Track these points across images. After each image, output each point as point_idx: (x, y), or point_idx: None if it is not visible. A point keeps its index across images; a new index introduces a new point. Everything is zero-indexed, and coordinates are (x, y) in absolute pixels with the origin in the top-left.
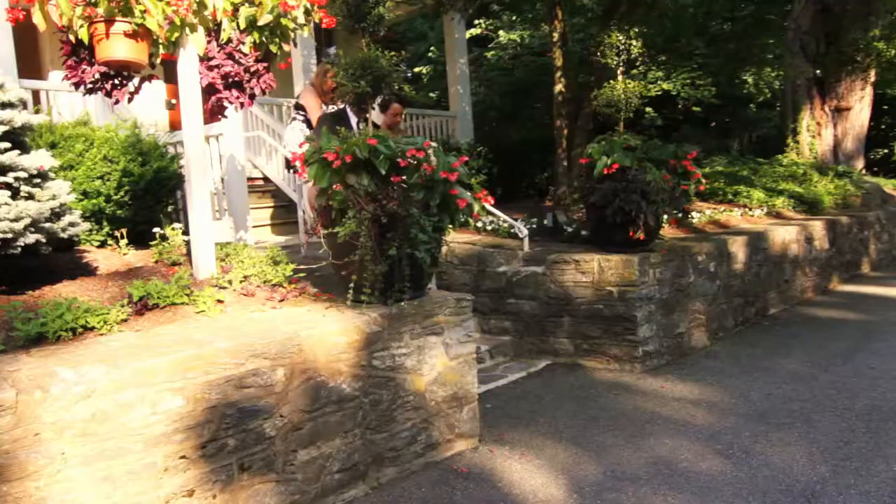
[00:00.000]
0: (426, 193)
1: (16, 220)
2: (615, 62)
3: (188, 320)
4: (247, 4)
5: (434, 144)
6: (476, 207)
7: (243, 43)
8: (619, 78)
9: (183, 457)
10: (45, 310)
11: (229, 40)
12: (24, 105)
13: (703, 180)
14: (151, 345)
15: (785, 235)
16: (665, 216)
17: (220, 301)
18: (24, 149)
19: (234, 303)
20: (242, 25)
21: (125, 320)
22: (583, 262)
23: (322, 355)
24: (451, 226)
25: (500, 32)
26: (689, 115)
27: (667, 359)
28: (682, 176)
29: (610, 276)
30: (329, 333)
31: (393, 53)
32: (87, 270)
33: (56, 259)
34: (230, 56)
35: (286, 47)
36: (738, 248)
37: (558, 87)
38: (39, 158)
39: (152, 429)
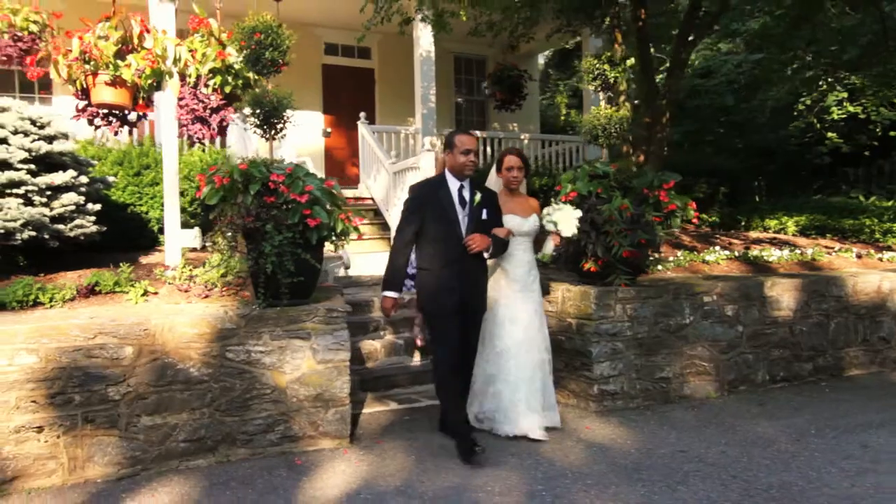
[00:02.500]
0: (283, 213)
1: (13, 220)
2: (595, 87)
3: (112, 304)
4: (202, 56)
5: (305, 169)
6: (339, 227)
7: (206, 85)
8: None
9: (34, 401)
10: (10, 287)
11: (196, 83)
12: (66, 137)
13: (693, 212)
14: (56, 316)
15: (883, 283)
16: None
17: (147, 293)
18: (61, 168)
19: (166, 295)
20: (203, 72)
21: (71, 299)
22: (550, 291)
23: (171, 341)
24: (333, 241)
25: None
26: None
27: (638, 402)
28: (654, 206)
29: (569, 307)
30: (179, 324)
31: None
32: (100, 263)
33: (85, 253)
34: (196, 97)
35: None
36: (781, 292)
37: (622, 112)
38: (59, 176)
39: (8, 376)
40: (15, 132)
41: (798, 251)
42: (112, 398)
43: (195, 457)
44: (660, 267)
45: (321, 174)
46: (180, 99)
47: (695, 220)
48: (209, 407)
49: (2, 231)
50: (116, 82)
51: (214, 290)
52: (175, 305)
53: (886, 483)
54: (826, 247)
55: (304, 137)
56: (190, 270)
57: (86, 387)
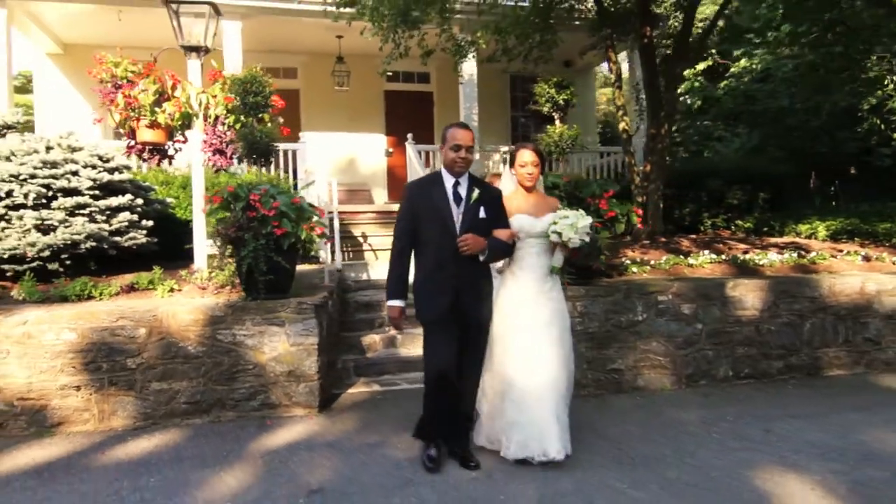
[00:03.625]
0: (259, 224)
1: (79, 233)
2: (547, 109)
3: (144, 298)
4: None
5: (280, 188)
6: (303, 235)
7: (223, 124)
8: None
9: (73, 367)
10: (72, 284)
11: (215, 122)
12: (128, 168)
13: (637, 217)
14: (98, 306)
15: (867, 285)
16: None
17: (173, 290)
18: (120, 193)
19: (188, 292)
20: (220, 113)
21: (115, 294)
22: None
23: (174, 325)
24: (298, 247)
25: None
26: None
27: (589, 391)
28: (595, 213)
29: None
30: (180, 312)
31: None
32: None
33: (144, 259)
34: (215, 133)
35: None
36: (745, 292)
37: (622, 125)
38: (116, 199)
39: (56, 347)
40: (85, 166)
41: (801, 254)
42: (129, 367)
43: (193, 416)
44: (635, 269)
45: (384, 191)
46: (204, 135)
47: (640, 225)
48: (204, 377)
49: (70, 242)
50: (154, 125)
51: (225, 289)
52: (189, 299)
53: (744, 458)
54: (847, 251)
55: (368, 157)
56: (209, 272)
57: (110, 357)
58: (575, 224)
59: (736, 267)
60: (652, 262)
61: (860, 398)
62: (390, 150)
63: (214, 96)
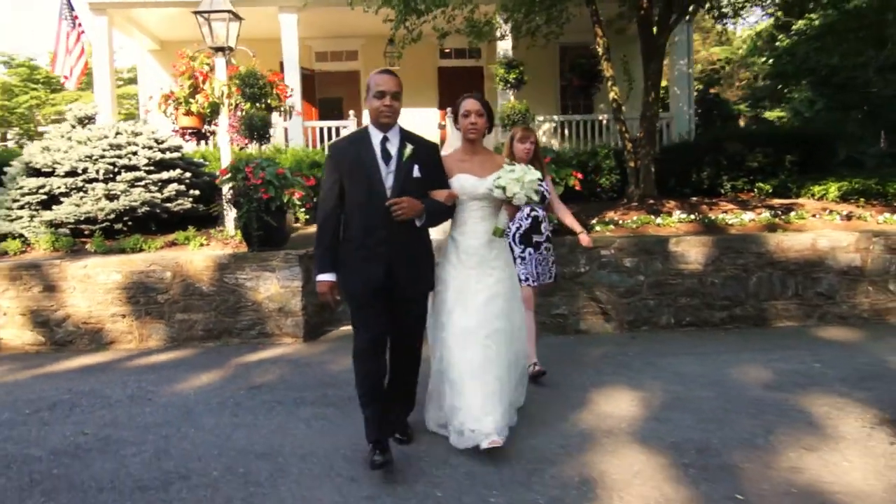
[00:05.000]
0: (252, 190)
1: (135, 201)
2: (501, 86)
3: (181, 251)
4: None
5: (270, 161)
6: (285, 199)
7: (242, 110)
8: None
9: (119, 300)
10: (128, 240)
11: (236, 108)
12: (179, 148)
13: (574, 180)
14: (143, 255)
15: (819, 241)
16: None
17: (202, 245)
18: (172, 168)
19: (213, 247)
20: (240, 101)
21: (160, 248)
22: None
23: (192, 270)
24: (286, 209)
25: None
26: None
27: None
28: None
29: None
30: (196, 260)
31: None
32: (199, 228)
33: (194, 221)
34: (236, 118)
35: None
36: (687, 248)
37: (611, 95)
38: (167, 174)
39: (107, 285)
40: (143, 147)
41: (779, 215)
42: (159, 301)
43: (207, 341)
44: (598, 228)
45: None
46: (228, 119)
47: (577, 186)
48: (215, 311)
49: (129, 207)
50: (189, 113)
51: (243, 244)
52: (210, 251)
53: (605, 380)
54: (831, 211)
55: (421, 131)
56: (233, 231)
57: (146, 294)
58: (521, 178)
59: (703, 226)
60: (621, 222)
61: (774, 343)
62: (443, 122)
63: (237, 87)
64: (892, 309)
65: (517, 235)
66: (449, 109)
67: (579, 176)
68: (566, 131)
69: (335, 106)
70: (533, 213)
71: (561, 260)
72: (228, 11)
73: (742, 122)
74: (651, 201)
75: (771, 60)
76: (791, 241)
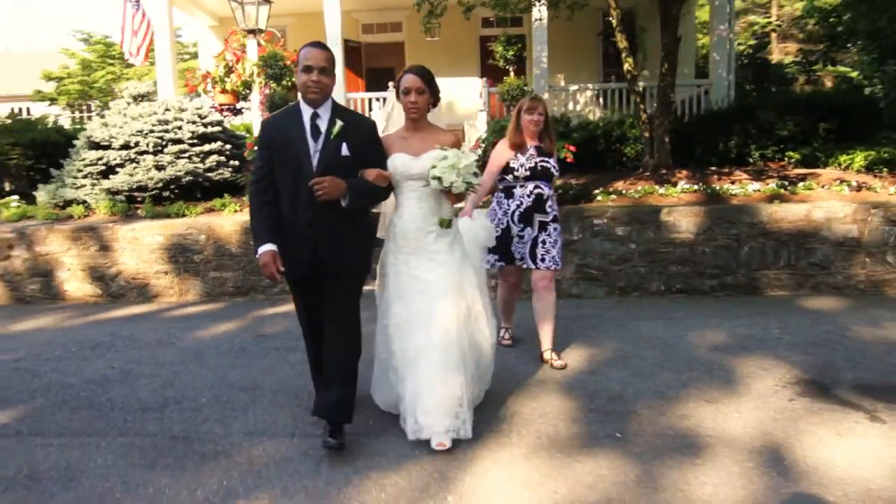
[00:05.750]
0: None
1: (180, 171)
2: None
3: (217, 216)
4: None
5: None
6: None
7: (270, 88)
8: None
9: (162, 259)
10: (172, 206)
11: (265, 87)
12: (220, 123)
13: (566, 152)
14: (183, 220)
15: (814, 212)
16: None
17: (236, 211)
18: (213, 140)
19: (245, 213)
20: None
21: (200, 213)
22: None
23: (222, 233)
24: None
25: None
26: None
27: (529, 295)
28: None
29: None
30: (226, 224)
31: None
32: (236, 195)
33: (236, 189)
34: (263, 94)
35: None
36: (679, 218)
37: (626, 67)
38: (208, 146)
39: (151, 246)
40: (187, 122)
41: (785, 185)
42: (196, 261)
43: (236, 296)
44: (599, 198)
45: (481, 130)
46: (259, 97)
47: (569, 158)
48: (242, 270)
49: (175, 177)
50: (224, 91)
51: None
52: (241, 217)
53: (571, 338)
54: (841, 181)
55: (465, 100)
56: None
57: (184, 254)
58: (456, 164)
59: (706, 196)
60: (624, 192)
61: (752, 310)
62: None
63: (264, 67)
64: (890, 280)
65: (516, 214)
66: (484, 79)
67: (572, 149)
68: (606, 99)
69: (382, 76)
70: (537, 191)
71: None
72: None
73: (799, 87)
74: (664, 171)
75: (820, 21)
76: (784, 212)
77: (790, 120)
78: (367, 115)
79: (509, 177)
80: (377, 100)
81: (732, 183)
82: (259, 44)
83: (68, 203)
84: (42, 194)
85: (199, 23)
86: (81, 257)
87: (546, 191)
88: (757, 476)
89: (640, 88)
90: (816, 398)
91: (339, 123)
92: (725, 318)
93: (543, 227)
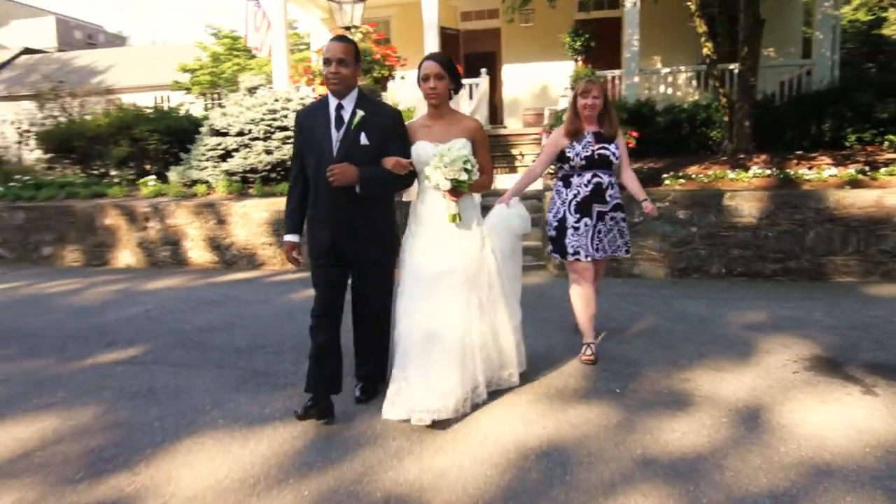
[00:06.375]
0: None
1: (285, 155)
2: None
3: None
4: None
5: None
6: None
7: (363, 80)
8: None
9: (266, 232)
10: (279, 186)
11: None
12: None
13: (628, 137)
14: (280, 199)
15: (886, 198)
16: None
17: None
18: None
19: None
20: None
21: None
22: None
23: None
24: None
25: None
26: None
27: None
28: None
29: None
30: None
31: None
32: None
33: None
34: None
35: None
36: (741, 202)
37: (705, 51)
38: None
39: (258, 221)
40: (292, 111)
41: (865, 171)
42: None
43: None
44: (667, 182)
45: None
46: None
47: (630, 144)
48: None
49: (281, 161)
50: (323, 83)
51: None
52: None
53: (616, 311)
54: None
55: (558, 84)
56: None
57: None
58: (438, 164)
59: (777, 181)
60: (695, 176)
61: (808, 294)
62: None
63: None
64: None
65: (573, 204)
66: (578, 61)
67: (634, 134)
68: (700, 82)
69: (480, 62)
70: (595, 179)
71: None
72: None
73: None
74: (741, 156)
75: None
76: (853, 198)
77: (892, 102)
78: (465, 100)
79: (566, 166)
80: (475, 85)
81: (810, 168)
82: (356, 39)
83: (194, 182)
84: (173, 174)
85: (311, 16)
86: (202, 229)
87: (605, 179)
88: (725, 428)
89: (719, 72)
90: (821, 372)
91: (359, 114)
92: (775, 300)
93: (602, 217)
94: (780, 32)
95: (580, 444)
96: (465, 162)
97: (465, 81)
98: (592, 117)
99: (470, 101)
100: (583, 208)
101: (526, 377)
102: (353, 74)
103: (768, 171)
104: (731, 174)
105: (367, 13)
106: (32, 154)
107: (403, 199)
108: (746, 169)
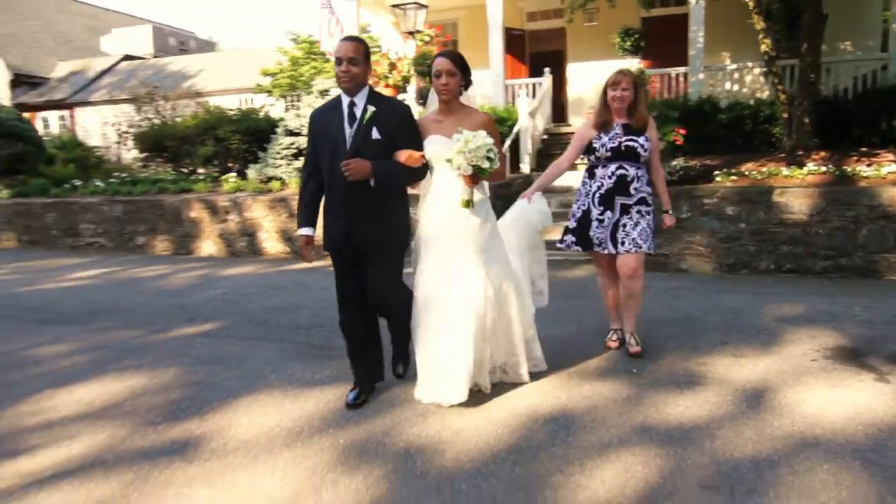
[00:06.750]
0: None
1: None
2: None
3: None
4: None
5: None
6: None
7: (424, 83)
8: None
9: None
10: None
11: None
12: None
13: (673, 135)
14: None
15: None
16: None
17: None
18: None
19: None
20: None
21: None
22: None
23: None
24: None
25: None
26: None
27: None
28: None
29: None
30: None
31: None
32: None
33: None
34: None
35: None
36: (791, 199)
37: (763, 48)
38: None
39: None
40: None
41: None
42: None
43: None
44: (719, 178)
45: None
46: (415, 91)
47: (678, 141)
48: None
49: None
50: (387, 85)
51: None
52: None
53: (652, 303)
54: None
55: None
56: None
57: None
58: (462, 148)
59: (832, 178)
60: (747, 173)
61: (855, 291)
62: (647, 72)
63: (418, 65)
64: None
65: (597, 196)
66: (639, 60)
67: (682, 132)
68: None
69: (544, 61)
70: (619, 171)
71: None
72: (415, 2)
73: None
74: (800, 153)
75: None
76: None
77: None
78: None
79: (592, 157)
80: (538, 84)
81: (869, 165)
82: (417, 43)
83: (270, 179)
84: (252, 172)
85: (382, 21)
86: (276, 222)
87: (630, 171)
88: (727, 405)
89: (778, 69)
90: (839, 361)
91: (370, 109)
92: (819, 296)
93: (626, 210)
94: (859, 25)
95: (587, 413)
96: (488, 150)
97: (527, 81)
98: (622, 109)
99: (531, 99)
100: (605, 201)
101: (551, 358)
102: (363, 72)
103: (824, 168)
104: (785, 171)
105: (435, 16)
106: (130, 153)
107: (414, 191)
108: (802, 166)
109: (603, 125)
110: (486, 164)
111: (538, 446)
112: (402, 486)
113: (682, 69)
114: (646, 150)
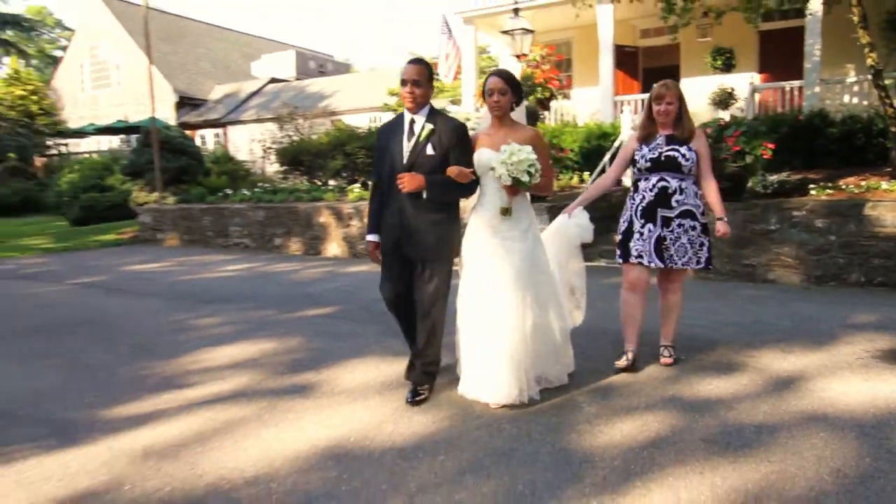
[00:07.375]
0: None
1: None
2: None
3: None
4: None
5: None
6: None
7: (527, 100)
8: None
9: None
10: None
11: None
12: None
13: (762, 150)
14: None
15: None
16: None
17: None
18: None
19: None
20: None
21: None
22: None
23: None
24: None
25: None
26: None
27: (726, 277)
28: (724, 149)
29: None
30: None
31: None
32: None
33: None
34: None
35: None
36: (884, 212)
37: (868, 62)
38: None
39: None
40: None
41: None
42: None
43: None
44: (813, 192)
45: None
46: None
47: (766, 155)
48: None
49: None
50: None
51: None
52: None
53: (728, 309)
54: None
55: (739, 92)
56: None
57: None
58: (506, 160)
59: None
60: (844, 186)
61: None
62: (760, 85)
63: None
64: None
65: (639, 209)
66: (755, 74)
67: (770, 146)
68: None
69: (659, 77)
70: (661, 184)
71: (752, 218)
72: (523, 28)
73: None
74: None
75: None
76: None
77: None
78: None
79: (635, 170)
80: (644, 101)
81: None
82: (522, 66)
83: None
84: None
85: (499, 42)
86: (337, 227)
87: (672, 183)
88: (756, 387)
89: (884, 83)
90: (884, 361)
91: (427, 127)
92: None
93: (667, 222)
94: None
95: (626, 385)
96: (529, 165)
97: (634, 97)
98: (667, 123)
99: (634, 115)
100: (647, 213)
101: (603, 344)
102: (425, 94)
103: None
104: (885, 185)
105: (549, 36)
106: (272, 166)
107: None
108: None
109: (646, 138)
110: (525, 178)
111: (575, 405)
112: (459, 422)
113: (797, 83)
114: (688, 160)
